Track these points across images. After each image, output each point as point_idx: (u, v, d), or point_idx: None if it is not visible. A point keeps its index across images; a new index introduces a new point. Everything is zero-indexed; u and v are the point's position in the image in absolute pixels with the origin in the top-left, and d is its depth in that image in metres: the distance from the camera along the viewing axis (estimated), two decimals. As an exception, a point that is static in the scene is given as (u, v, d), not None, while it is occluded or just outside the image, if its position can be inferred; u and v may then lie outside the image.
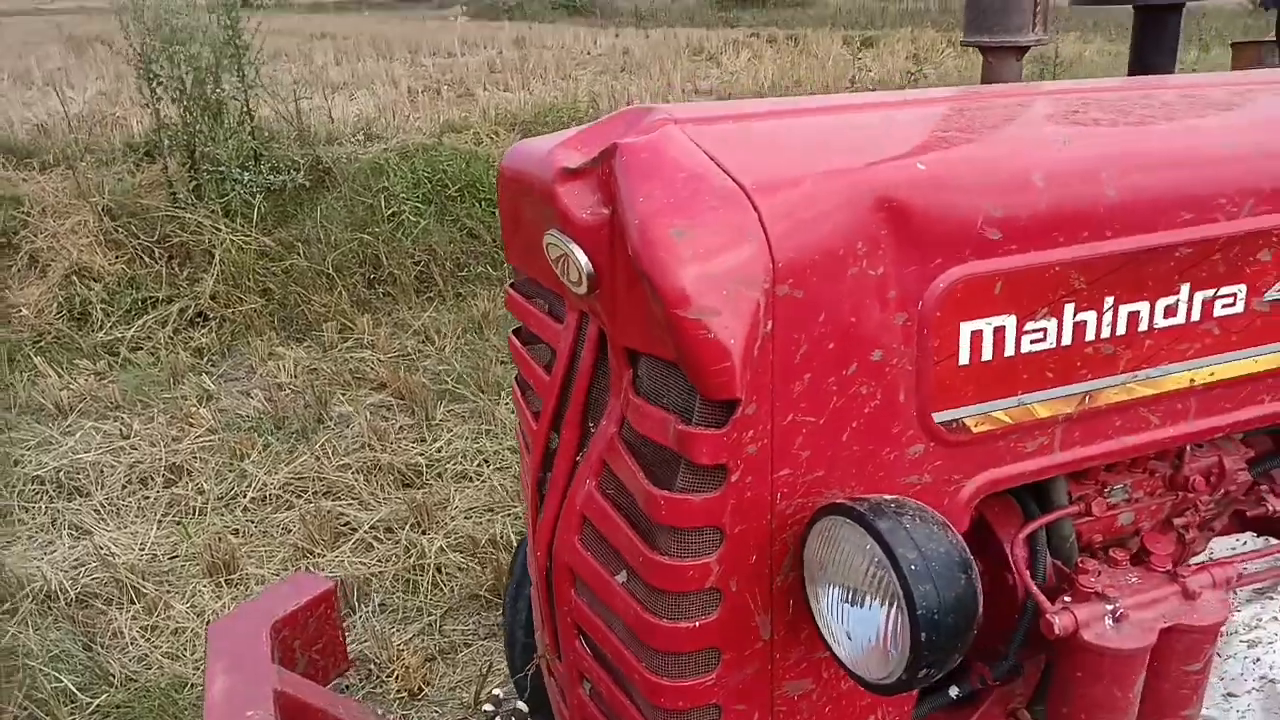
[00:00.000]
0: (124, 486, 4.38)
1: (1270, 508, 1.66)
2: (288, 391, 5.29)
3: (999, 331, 1.34)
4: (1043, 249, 1.33)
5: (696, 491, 1.25)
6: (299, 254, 6.32)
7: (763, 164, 1.27)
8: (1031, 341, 1.36)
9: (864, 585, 1.16)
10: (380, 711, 1.98)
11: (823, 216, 1.22)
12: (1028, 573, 1.51)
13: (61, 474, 4.40)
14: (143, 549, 3.95)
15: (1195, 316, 1.45)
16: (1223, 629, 1.69)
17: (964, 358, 1.33)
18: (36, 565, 3.73)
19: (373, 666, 3.27)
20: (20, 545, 3.98)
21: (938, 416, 1.35)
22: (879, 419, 1.32)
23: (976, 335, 1.33)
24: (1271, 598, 1.75)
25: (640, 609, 1.33)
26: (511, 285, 1.82)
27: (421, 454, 4.53)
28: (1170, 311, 1.43)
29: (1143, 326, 1.42)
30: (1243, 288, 1.46)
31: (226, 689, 1.78)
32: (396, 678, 3.18)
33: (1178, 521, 1.65)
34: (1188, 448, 1.61)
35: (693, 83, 14.38)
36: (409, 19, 31.05)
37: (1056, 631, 1.38)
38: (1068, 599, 1.44)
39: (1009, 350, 1.35)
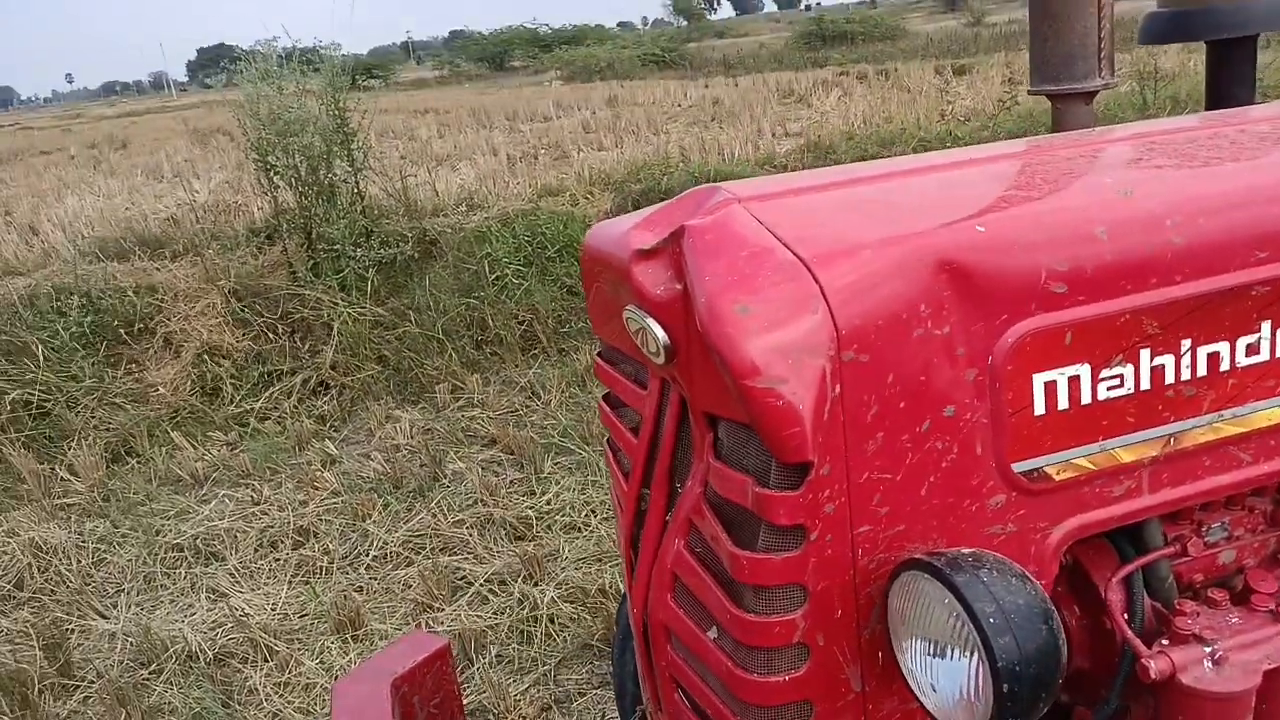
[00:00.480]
0: (256, 550, 4.64)
1: (1378, 541, 1.61)
2: (404, 452, 5.52)
3: (1074, 380, 1.36)
4: (1111, 298, 1.35)
5: (777, 551, 1.31)
6: (411, 321, 6.61)
7: (822, 235, 1.33)
8: (1109, 388, 1.38)
9: (946, 638, 1.19)
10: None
11: (882, 283, 1.27)
12: (1124, 616, 1.51)
13: (199, 540, 4.69)
14: (274, 609, 4.16)
15: (1279, 353, 1.44)
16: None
17: (1039, 408, 1.36)
18: (179, 628, 3.97)
19: (491, 717, 3.37)
20: (164, 609, 4.25)
21: (1017, 467, 1.37)
22: (957, 472, 1.35)
23: (1050, 385, 1.35)
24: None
25: (731, 664, 1.39)
26: (599, 354, 1.91)
27: (531, 507, 4.66)
28: (1252, 350, 1.42)
29: (1224, 366, 1.42)
30: (1328, 321, 1.44)
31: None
32: (519, 730, 3.28)
33: (1282, 559, 1.61)
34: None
35: (783, 126, 14.49)
36: (506, 88, 32.19)
37: (1153, 676, 1.37)
38: (1165, 642, 1.43)
39: (1086, 398, 1.37)
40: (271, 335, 6.55)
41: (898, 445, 1.31)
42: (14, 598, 4.34)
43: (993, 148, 1.73)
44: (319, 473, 5.32)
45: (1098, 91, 1.98)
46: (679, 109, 18.42)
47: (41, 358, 5.96)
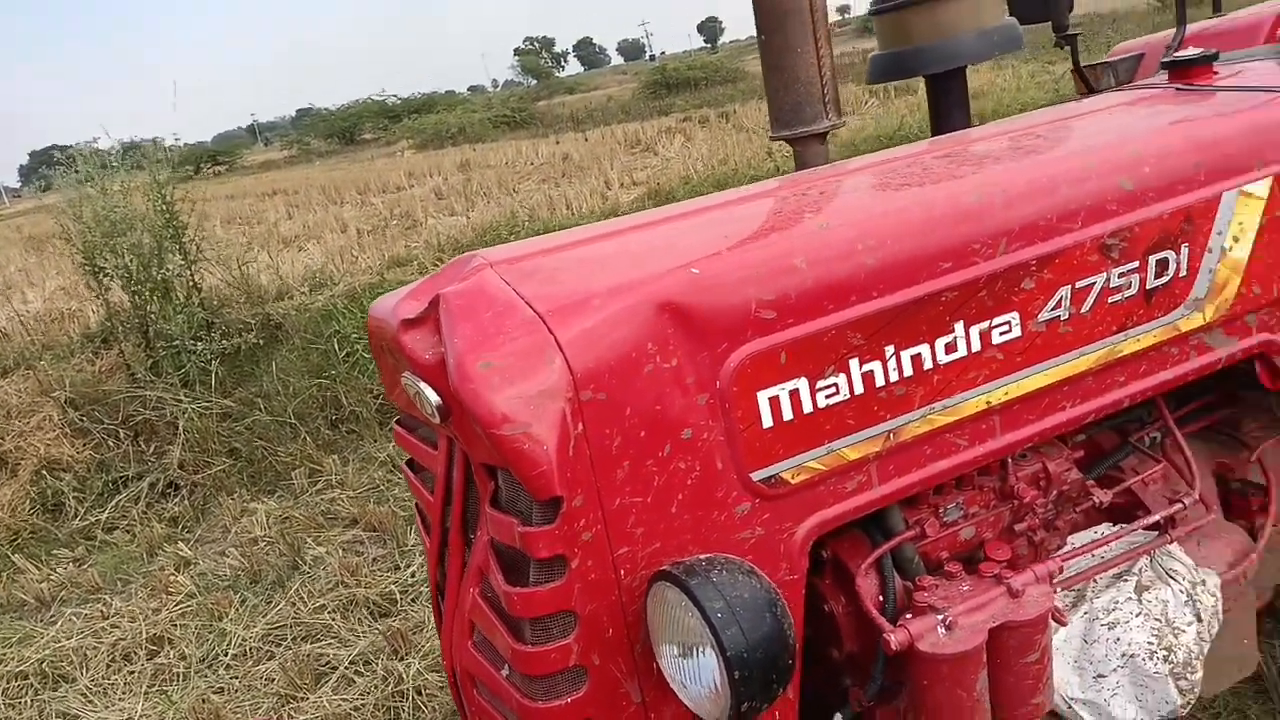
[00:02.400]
0: (108, 665, 4.47)
1: (1097, 500, 1.83)
2: (262, 544, 5.41)
3: (794, 394, 1.53)
4: (816, 318, 1.53)
5: (544, 583, 1.42)
6: (260, 409, 6.50)
7: (558, 291, 1.47)
8: (827, 396, 1.55)
9: (689, 638, 1.32)
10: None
11: (611, 328, 1.42)
12: (877, 598, 1.67)
13: (45, 664, 4.48)
14: (133, 722, 4.02)
15: (976, 347, 1.64)
16: (1075, 617, 1.85)
17: (767, 421, 1.52)
18: (29, 761, 3.80)
19: (363, 800, 3.34)
20: (13, 743, 4.05)
21: (756, 475, 1.53)
22: (702, 487, 1.50)
23: (774, 400, 1.52)
24: (1126, 580, 1.91)
25: (519, 695, 1.48)
26: (397, 421, 2.00)
27: (395, 582, 4.64)
28: (951, 348, 1.62)
29: (928, 365, 1.61)
30: (1015, 315, 1.66)
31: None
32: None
33: (1019, 527, 1.82)
34: (1008, 460, 1.79)
35: (630, 175, 14.88)
36: (357, 161, 31.89)
37: (894, 648, 1.54)
38: (909, 616, 1.60)
39: (807, 407, 1.54)
40: (114, 441, 6.33)
41: (644, 471, 1.45)
42: None
43: (727, 194, 1.91)
44: (172, 577, 5.16)
45: (827, 131, 2.20)
46: (531, 167, 18.67)
47: None
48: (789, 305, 1.51)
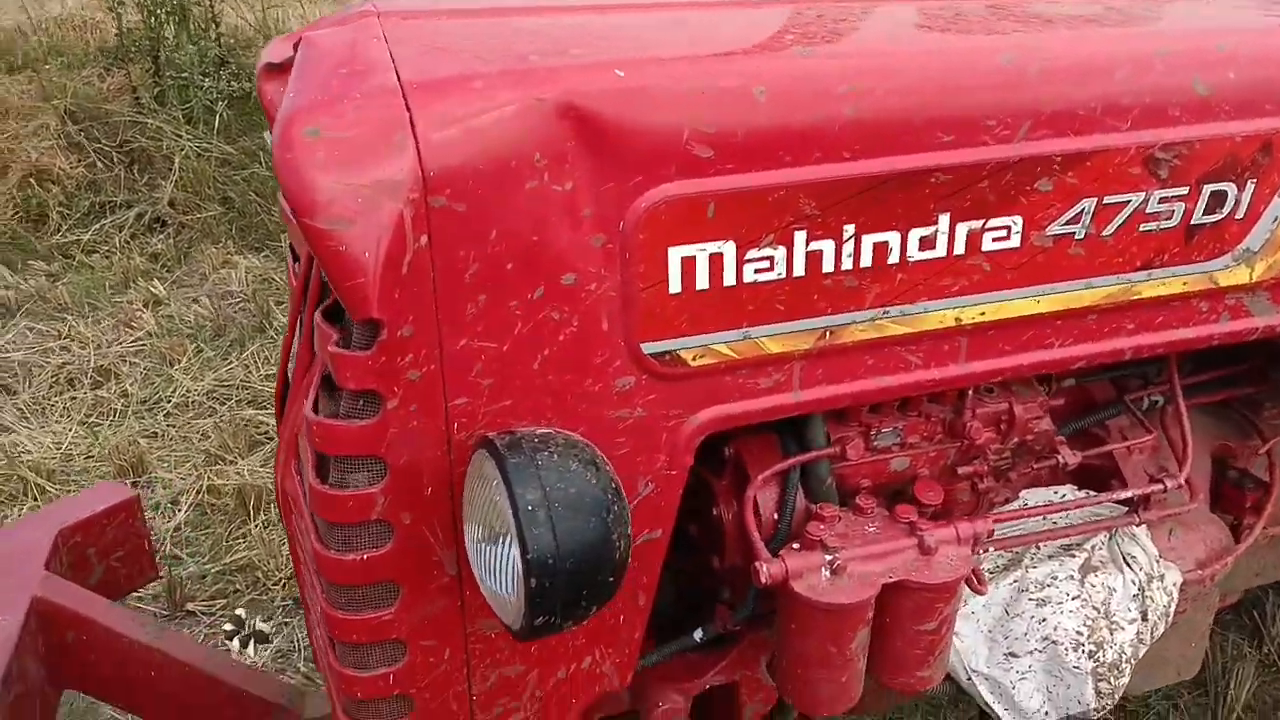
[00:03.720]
0: (50, 386, 4.38)
1: (1062, 460, 1.54)
2: (235, 300, 5.23)
3: (715, 259, 1.22)
4: (763, 169, 1.20)
5: (351, 418, 1.16)
6: (261, 163, 6.20)
7: (442, 62, 1.15)
8: (756, 270, 1.25)
9: (494, 524, 1.07)
10: (155, 622, 1.94)
11: (491, 122, 1.10)
12: (772, 516, 1.42)
13: (-11, 372, 4.40)
14: (58, 448, 3.95)
15: (959, 250, 1.32)
16: (1003, 582, 1.60)
17: (675, 285, 1.22)
18: (-56, 463, 3.74)
19: (259, 574, 3.27)
20: (-60, 443, 3.99)
21: (647, 347, 1.24)
22: (577, 348, 1.22)
23: (688, 261, 1.21)
24: (1073, 555, 1.64)
25: (315, 539, 1.25)
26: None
27: (350, 369, 4.47)
28: (927, 244, 1.30)
29: (892, 259, 1.29)
30: (1018, 220, 1.32)
31: (-11, 590, 1.74)
32: (282, 585, 3.19)
33: (963, 470, 1.54)
34: (969, 392, 1.49)
35: None
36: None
37: (764, 580, 1.29)
38: (795, 546, 1.35)
39: (729, 279, 1.24)
40: (107, 164, 6.08)
41: (504, 312, 1.17)
42: None
43: None
44: (139, 313, 5.02)
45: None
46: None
47: None
48: (733, 145, 1.18)
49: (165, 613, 3.23)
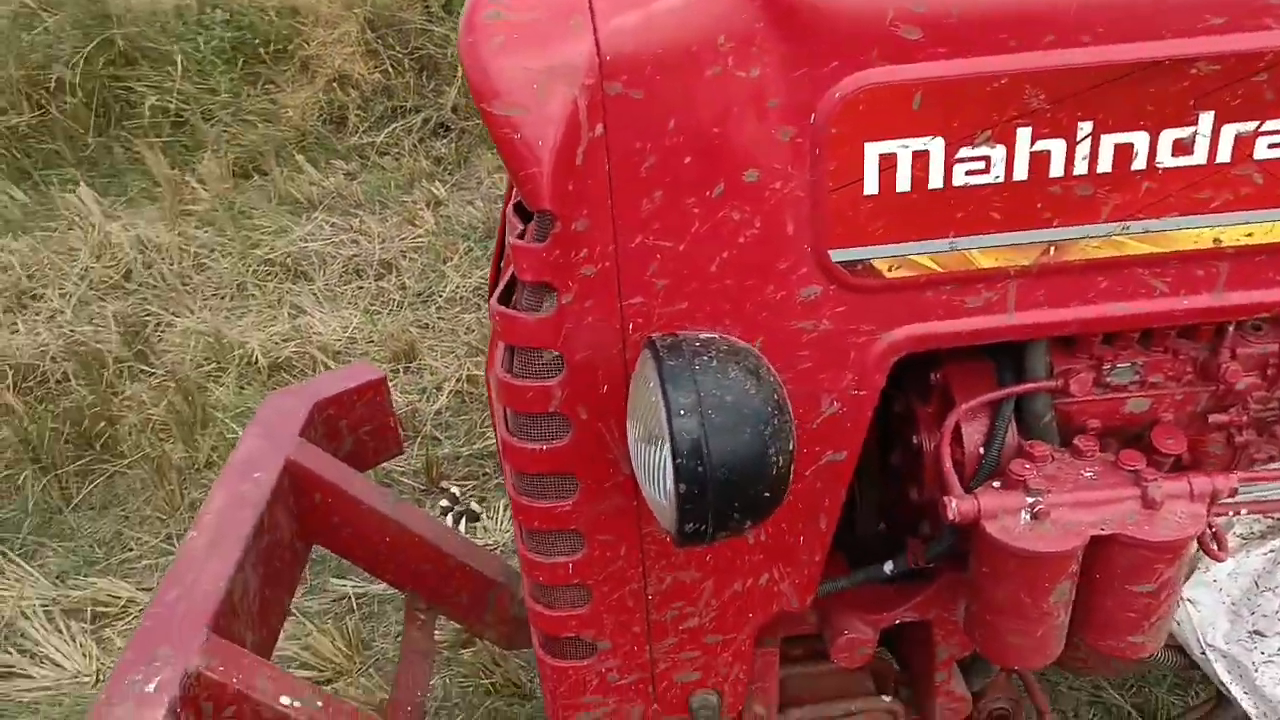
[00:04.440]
0: (340, 276, 4.82)
1: (1338, 416, 1.29)
2: (504, 203, 5.50)
3: (920, 157, 1.10)
4: (983, 55, 1.06)
5: (530, 311, 1.16)
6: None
7: (631, -62, 1.09)
8: (968, 173, 1.11)
9: (651, 425, 1.04)
10: (394, 493, 2.10)
11: (673, 2, 1.04)
12: (977, 450, 1.30)
13: (291, 259, 4.90)
14: (344, 331, 4.36)
15: (1223, 157, 1.11)
16: (1257, 551, 1.39)
17: (871, 186, 1.11)
18: (250, 335, 4.23)
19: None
20: (250, 316, 4.53)
21: (836, 255, 1.15)
22: (758, 251, 1.15)
23: (888, 160, 1.10)
24: (1355, 529, 1.39)
25: (503, 426, 1.29)
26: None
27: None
28: (1182, 148, 1.11)
29: (1138, 164, 1.11)
30: (1305, 122, 1.09)
31: (248, 450, 1.95)
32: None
33: (1216, 419, 1.33)
34: (1229, 327, 1.27)
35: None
36: None
37: (950, 517, 1.18)
38: (997, 485, 1.22)
39: (936, 181, 1.12)
40: (399, 69, 6.51)
41: (681, 209, 1.12)
42: (122, 287, 4.72)
43: None
44: (421, 211, 5.39)
45: None
46: None
47: (180, 67, 6.17)
48: (946, 26, 1.05)
49: (423, 487, 3.53)
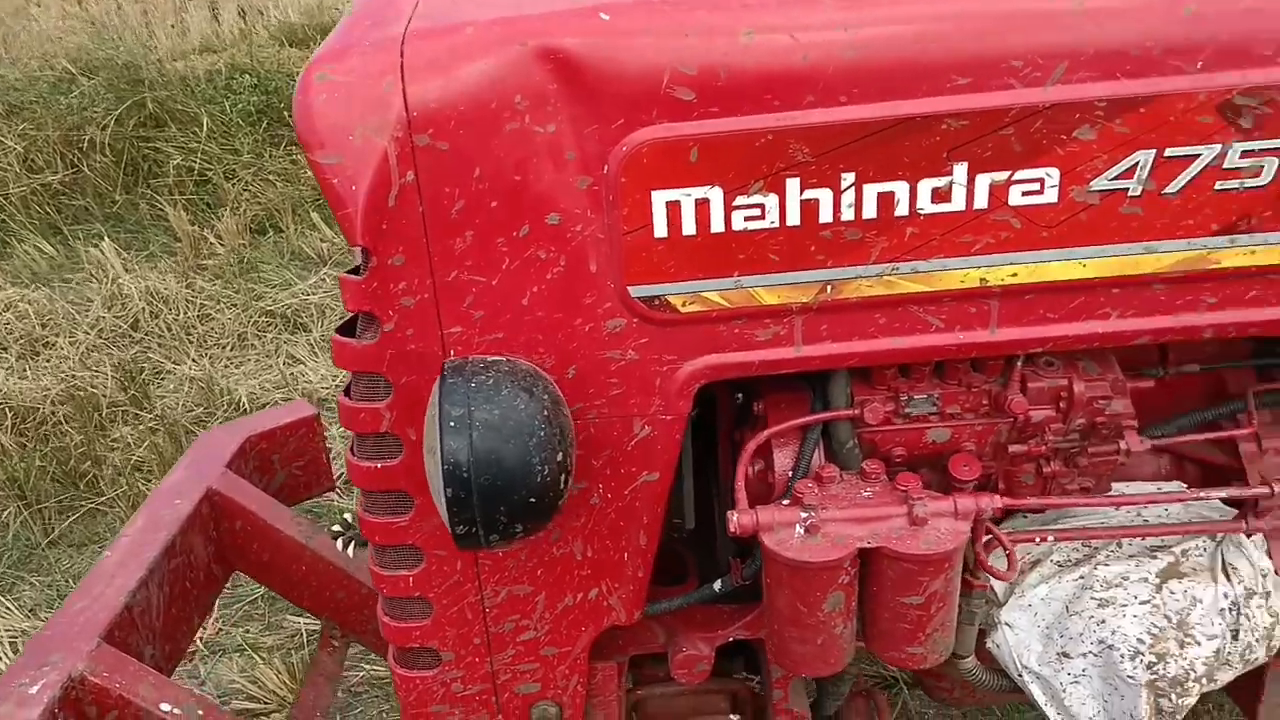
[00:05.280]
0: (334, 323, 5.00)
1: (1124, 447, 1.37)
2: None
3: (702, 204, 1.23)
4: (749, 113, 1.19)
5: (359, 338, 1.30)
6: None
7: (450, 11, 1.24)
8: (746, 218, 1.24)
9: (431, 437, 1.16)
10: (320, 526, 2.21)
11: (471, 66, 1.18)
12: (786, 473, 1.40)
13: (290, 310, 5.10)
14: (333, 379, 4.52)
15: (981, 204, 1.22)
16: (1069, 577, 1.47)
17: (660, 230, 1.24)
18: (240, 383, 4.41)
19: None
20: (246, 366, 4.72)
21: (635, 291, 1.27)
22: (566, 287, 1.27)
23: (673, 206, 1.23)
24: (1157, 557, 1.47)
25: (349, 448, 1.41)
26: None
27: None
28: (940, 196, 1.22)
29: (900, 211, 1.23)
30: (1054, 172, 1.21)
31: (174, 480, 2.09)
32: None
33: (1015, 449, 1.42)
34: (1017, 362, 1.37)
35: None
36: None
37: (731, 529, 1.28)
38: (785, 502, 1.32)
39: (718, 226, 1.24)
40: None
41: (491, 248, 1.25)
42: (130, 336, 4.95)
43: None
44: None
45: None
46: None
47: (206, 129, 6.50)
48: (716, 88, 1.18)
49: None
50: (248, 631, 3.33)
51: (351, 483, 1.40)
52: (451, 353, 1.30)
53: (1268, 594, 1.42)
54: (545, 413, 1.13)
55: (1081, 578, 1.46)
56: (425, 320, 1.28)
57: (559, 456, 1.12)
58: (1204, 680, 1.40)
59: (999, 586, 1.52)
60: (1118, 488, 1.53)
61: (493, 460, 1.08)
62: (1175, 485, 1.54)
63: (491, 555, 1.43)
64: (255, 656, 3.15)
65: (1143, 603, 1.41)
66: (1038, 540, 1.45)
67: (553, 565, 1.44)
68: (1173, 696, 1.39)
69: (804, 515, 1.27)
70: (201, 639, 3.26)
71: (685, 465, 1.58)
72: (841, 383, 1.38)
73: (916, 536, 1.25)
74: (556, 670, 1.52)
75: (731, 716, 1.68)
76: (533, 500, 1.11)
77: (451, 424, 1.08)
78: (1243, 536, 1.45)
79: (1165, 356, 1.54)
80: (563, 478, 1.14)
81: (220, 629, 3.35)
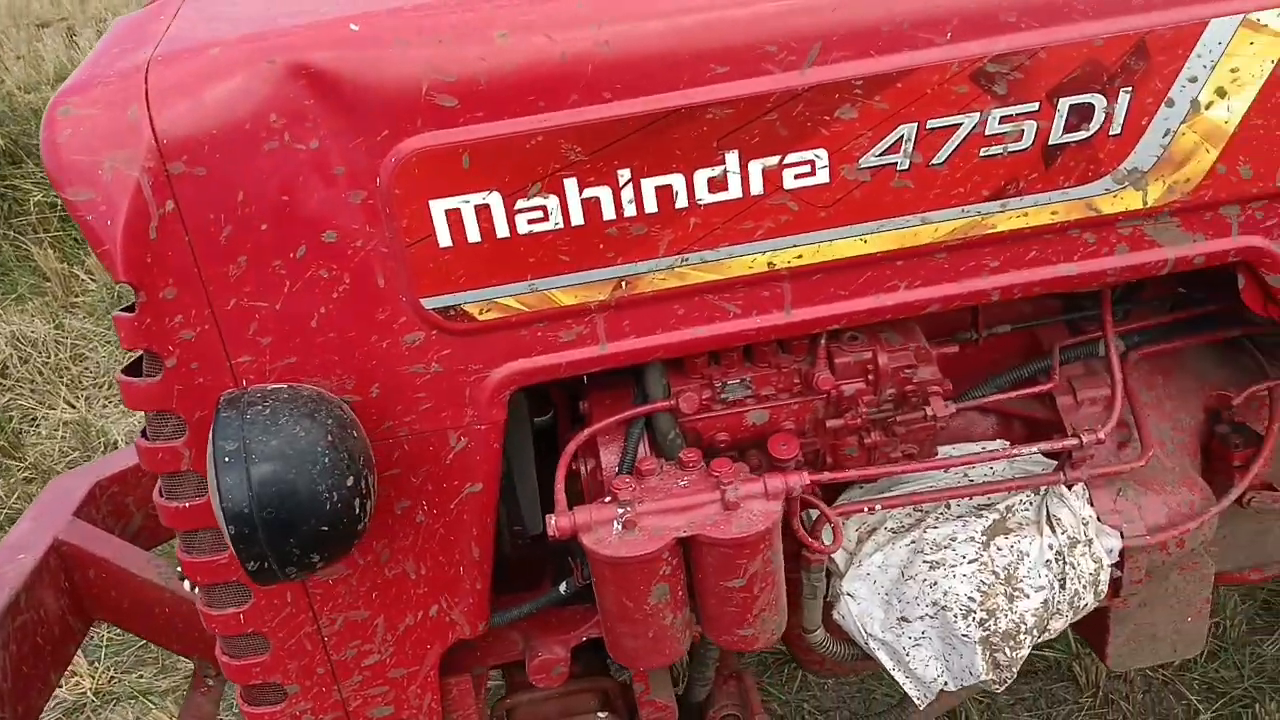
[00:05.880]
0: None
1: (931, 412, 1.40)
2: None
3: (483, 210, 1.21)
4: (515, 116, 1.18)
5: (145, 376, 1.25)
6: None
7: (198, 34, 1.20)
8: (529, 221, 1.22)
9: (210, 476, 1.12)
10: (167, 566, 2.16)
11: (218, 88, 1.15)
12: (614, 469, 1.40)
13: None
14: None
15: (756, 189, 1.23)
16: (901, 544, 1.50)
17: (444, 239, 1.22)
18: (117, 425, 4.27)
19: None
20: (123, 406, 4.56)
21: (428, 303, 1.25)
22: (354, 305, 1.25)
23: (454, 214, 1.21)
24: (982, 516, 1.50)
25: (156, 490, 1.36)
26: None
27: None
28: (717, 185, 1.23)
29: (680, 203, 1.23)
30: (822, 153, 1.22)
31: (18, 534, 2.01)
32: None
33: (833, 424, 1.44)
34: (820, 340, 1.39)
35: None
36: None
37: (550, 532, 1.28)
38: (607, 499, 1.32)
39: (502, 231, 1.22)
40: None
41: (269, 271, 1.22)
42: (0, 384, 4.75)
43: None
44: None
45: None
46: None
47: (68, 163, 6.26)
48: (478, 93, 1.17)
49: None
50: (140, 677, 3.23)
51: (168, 524, 1.36)
52: (245, 383, 1.26)
53: (1090, 541, 1.47)
54: (330, 438, 1.10)
55: (913, 542, 1.49)
56: (210, 352, 1.24)
57: (349, 481, 1.10)
58: (1035, 631, 1.45)
59: (840, 558, 1.54)
60: (946, 451, 1.56)
61: (273, 493, 1.05)
62: (999, 444, 1.58)
63: (322, 584, 1.40)
64: (147, 702, 3.06)
65: (970, 561, 1.45)
66: (866, 510, 1.48)
67: (387, 587, 1.41)
68: (1007, 650, 1.43)
69: (620, 511, 1.27)
70: (92, 689, 3.16)
71: (523, 471, 1.57)
72: (656, 375, 1.39)
73: (730, 521, 1.26)
74: (408, 691, 1.50)
75: (600, 714, 1.67)
76: (325, 529, 1.09)
77: (226, 459, 1.05)
78: (1064, 488, 1.49)
79: (976, 320, 1.58)
80: (357, 502, 1.11)
81: (112, 676, 3.25)
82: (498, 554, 1.56)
